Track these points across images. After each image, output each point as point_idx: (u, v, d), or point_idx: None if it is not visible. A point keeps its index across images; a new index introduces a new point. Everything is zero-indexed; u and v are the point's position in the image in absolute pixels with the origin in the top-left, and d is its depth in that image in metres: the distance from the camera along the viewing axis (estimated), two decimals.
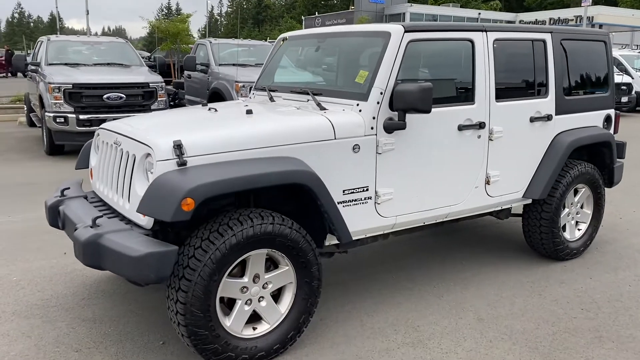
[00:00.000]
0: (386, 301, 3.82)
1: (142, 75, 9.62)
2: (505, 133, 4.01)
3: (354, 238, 3.47)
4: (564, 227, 4.61)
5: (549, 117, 4.25)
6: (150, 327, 3.40)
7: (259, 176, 2.80)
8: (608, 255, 4.78)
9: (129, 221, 3.03)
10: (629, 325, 3.53)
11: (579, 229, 4.75)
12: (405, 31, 3.47)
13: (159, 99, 9.45)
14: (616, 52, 18.85)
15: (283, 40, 4.46)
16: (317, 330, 3.41)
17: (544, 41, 4.23)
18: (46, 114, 8.81)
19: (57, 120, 8.66)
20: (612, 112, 4.84)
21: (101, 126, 3.63)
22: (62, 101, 8.73)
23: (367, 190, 3.42)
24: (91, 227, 2.84)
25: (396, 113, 3.37)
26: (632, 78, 16.79)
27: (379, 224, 3.53)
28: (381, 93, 3.38)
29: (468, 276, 4.28)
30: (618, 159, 4.95)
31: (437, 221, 3.92)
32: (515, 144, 4.11)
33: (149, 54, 23.48)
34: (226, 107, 3.80)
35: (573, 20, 44.76)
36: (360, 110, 3.38)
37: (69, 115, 8.69)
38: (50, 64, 9.76)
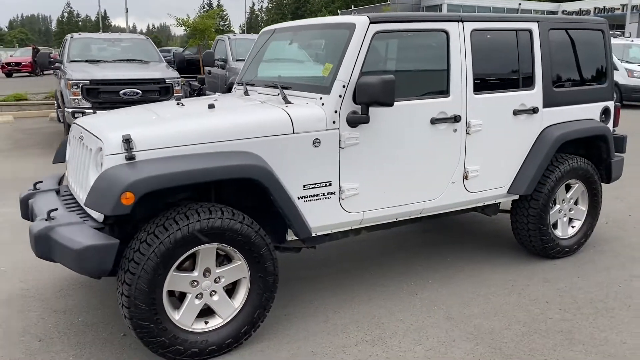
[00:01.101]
0: (356, 298, 3.76)
1: (158, 71, 9.77)
2: (485, 126, 3.88)
3: (317, 233, 3.44)
4: (555, 224, 4.45)
5: (534, 110, 4.09)
6: (117, 319, 3.46)
7: (204, 171, 2.80)
8: (604, 254, 4.58)
9: (87, 215, 3.08)
10: (606, 328, 3.38)
11: (572, 226, 4.57)
12: (371, 22, 3.39)
13: (175, 94, 9.58)
14: None
15: (265, 34, 4.44)
16: (280, 325, 3.39)
17: (529, 31, 4.07)
18: (65, 109, 9.06)
19: (76, 116, 8.87)
20: (610, 104, 4.62)
21: (74, 121, 3.71)
22: (80, 97, 8.95)
23: (330, 185, 3.37)
24: (45, 219, 2.91)
25: (360, 107, 3.31)
26: None
27: (344, 219, 3.48)
28: (344, 86, 3.32)
29: (449, 273, 4.18)
30: (618, 154, 4.73)
31: (412, 217, 3.83)
32: (497, 137, 3.98)
33: (181, 50, 23.86)
34: (194, 102, 3.81)
35: (619, 9, 43.05)
36: (322, 104, 3.34)
37: (87, 111, 8.88)
38: (71, 61, 10.03)
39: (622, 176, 4.80)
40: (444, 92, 3.71)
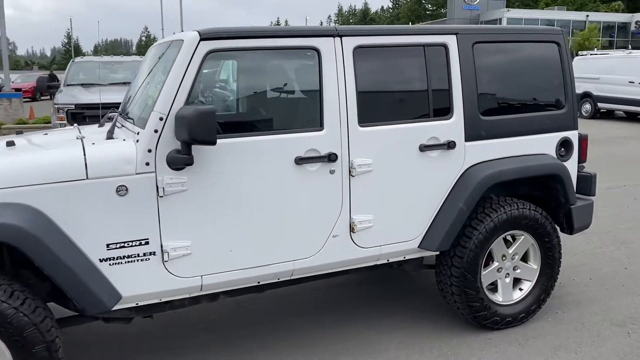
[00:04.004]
0: None
1: None
2: (378, 167, 3.08)
3: (138, 303, 2.79)
4: (494, 286, 3.53)
5: (450, 145, 3.23)
6: None
7: None
8: (563, 326, 3.60)
9: None
10: None
11: (520, 289, 3.62)
12: (202, 39, 2.71)
13: None
14: None
15: (152, 49, 3.84)
16: None
17: (444, 46, 3.23)
18: None
19: None
20: (572, 135, 3.66)
21: None
22: (65, 122, 8.76)
23: (148, 243, 2.69)
24: None
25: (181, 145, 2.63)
26: None
27: (174, 285, 2.78)
28: (161, 119, 2.66)
29: (348, 347, 3.35)
30: (584, 197, 3.75)
31: (282, 279, 3.07)
32: (397, 180, 3.15)
33: None
34: (25, 137, 3.25)
35: None
36: (137, 141, 2.68)
37: None
38: (67, 85, 9.92)
39: None
40: (316, 124, 2.95)
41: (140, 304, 2.78)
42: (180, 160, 2.62)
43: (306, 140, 2.92)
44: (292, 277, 3.08)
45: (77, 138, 2.89)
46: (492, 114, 3.39)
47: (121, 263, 2.66)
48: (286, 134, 2.89)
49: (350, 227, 3.08)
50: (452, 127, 3.25)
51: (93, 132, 3.19)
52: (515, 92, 3.56)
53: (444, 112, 3.25)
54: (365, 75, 3.03)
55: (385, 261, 3.31)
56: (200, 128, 2.49)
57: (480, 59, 3.34)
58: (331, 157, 2.94)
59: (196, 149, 2.67)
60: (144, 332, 3.57)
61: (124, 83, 10.25)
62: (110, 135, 2.85)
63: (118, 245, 2.64)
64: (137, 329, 3.56)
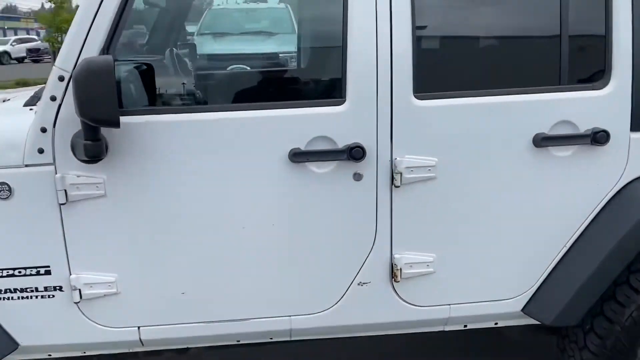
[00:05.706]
0: None
1: (274, 44, 8.66)
2: (447, 172, 1.73)
3: (51, 354, 1.86)
4: None
5: (598, 137, 1.73)
6: None
7: None
8: None
9: None
10: None
11: None
12: None
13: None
14: None
15: None
16: None
17: None
18: None
19: None
20: None
21: None
22: None
23: (49, 273, 1.73)
24: None
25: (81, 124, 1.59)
26: None
27: (97, 337, 1.80)
28: (62, 79, 1.63)
29: None
30: None
31: (272, 340, 1.93)
32: (486, 197, 1.77)
33: None
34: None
35: None
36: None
37: None
38: (200, 34, 9.51)
39: None
40: (332, 93, 1.70)
41: (52, 355, 1.87)
42: (84, 150, 1.57)
43: (312, 120, 1.68)
44: (290, 339, 1.92)
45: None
46: None
47: (12, 298, 1.74)
48: (275, 109, 1.68)
49: (391, 270, 1.80)
50: (605, 104, 1.74)
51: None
52: None
53: (591, 76, 1.75)
54: (430, 9, 1.67)
55: (461, 327, 1.98)
56: (86, 95, 1.43)
57: None
58: (354, 153, 1.66)
59: (121, 132, 1.61)
60: None
61: (257, 32, 9.59)
62: (31, 102, 1.91)
63: (5, 273, 1.72)
64: None
